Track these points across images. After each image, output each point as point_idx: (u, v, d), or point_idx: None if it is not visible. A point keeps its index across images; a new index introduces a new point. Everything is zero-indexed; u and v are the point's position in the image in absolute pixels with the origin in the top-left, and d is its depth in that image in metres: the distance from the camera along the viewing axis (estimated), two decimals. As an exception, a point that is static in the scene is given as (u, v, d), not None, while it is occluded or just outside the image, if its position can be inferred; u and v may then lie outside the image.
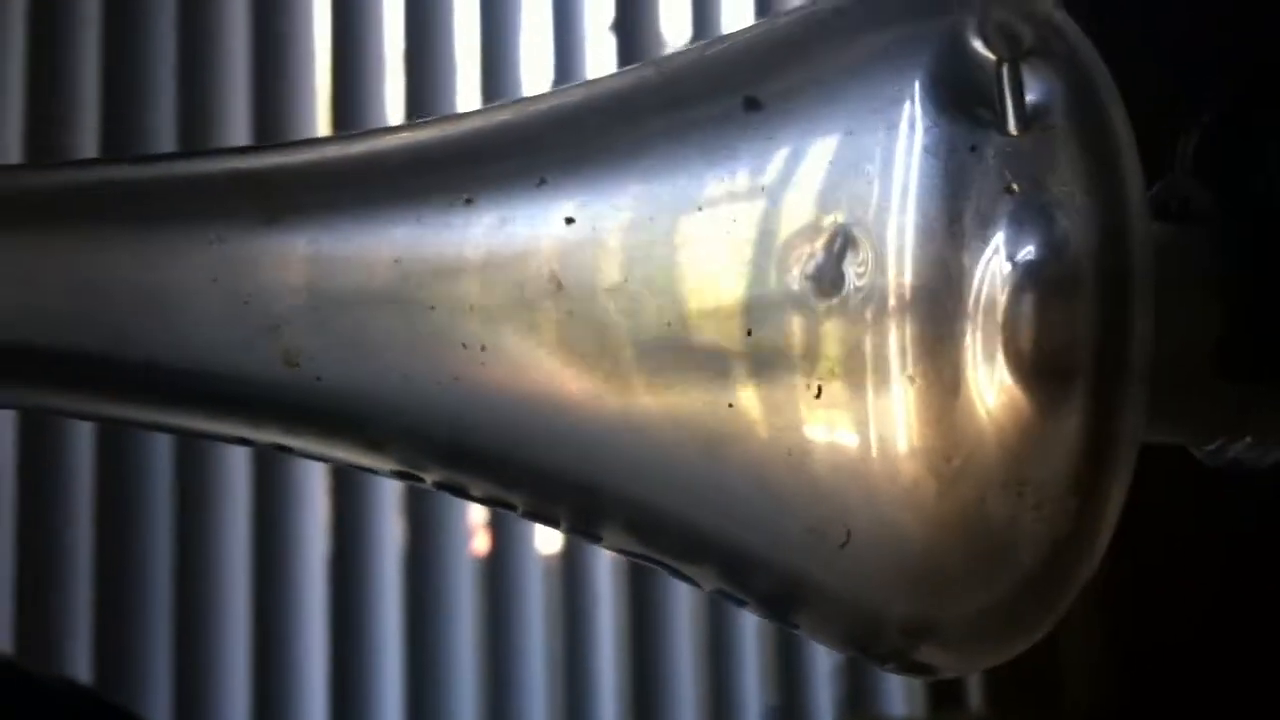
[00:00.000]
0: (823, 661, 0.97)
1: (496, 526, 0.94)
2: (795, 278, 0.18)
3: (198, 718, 0.88)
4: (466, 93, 0.95)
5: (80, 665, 0.85)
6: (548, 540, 0.95)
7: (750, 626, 0.96)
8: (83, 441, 0.88)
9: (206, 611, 0.89)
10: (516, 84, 0.97)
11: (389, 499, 0.93)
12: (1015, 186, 0.18)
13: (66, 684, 0.55)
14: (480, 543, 0.94)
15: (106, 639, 0.87)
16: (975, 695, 0.87)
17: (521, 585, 0.94)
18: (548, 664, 0.94)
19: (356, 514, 0.93)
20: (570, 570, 0.95)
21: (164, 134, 0.90)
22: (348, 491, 0.93)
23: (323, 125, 0.94)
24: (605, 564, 0.95)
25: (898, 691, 0.96)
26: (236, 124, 0.91)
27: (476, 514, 0.94)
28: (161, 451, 0.89)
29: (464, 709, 0.92)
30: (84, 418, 0.20)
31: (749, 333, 0.18)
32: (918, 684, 0.93)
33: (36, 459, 0.87)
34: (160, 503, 0.89)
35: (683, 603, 0.95)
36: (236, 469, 0.90)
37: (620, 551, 0.20)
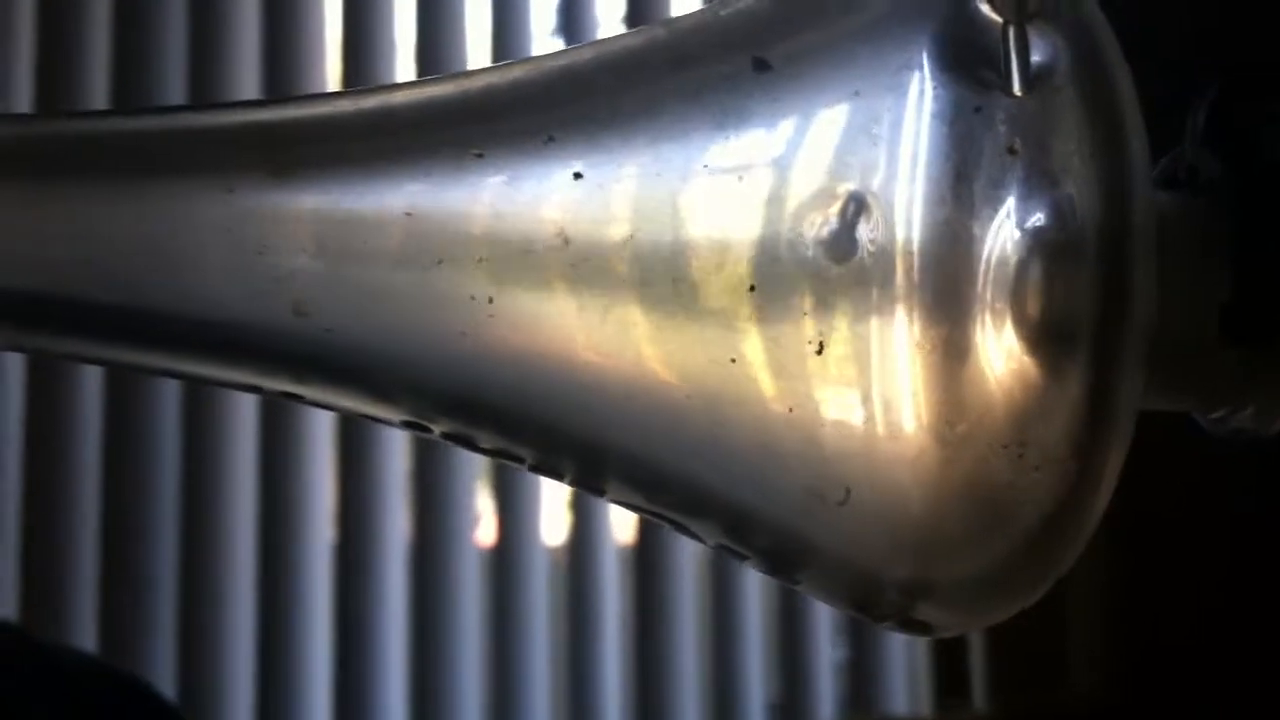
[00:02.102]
0: (826, 657, 0.97)
1: (503, 517, 0.94)
2: (806, 242, 0.18)
3: (202, 706, 0.89)
4: (477, 53, 0.95)
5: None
6: (553, 532, 0.95)
7: (754, 620, 0.96)
8: (89, 433, 0.88)
9: (212, 599, 0.90)
10: (527, 41, 0.96)
11: (395, 489, 0.93)
12: (1017, 147, 0.18)
13: (76, 653, 0.56)
14: (486, 533, 0.95)
15: (112, 632, 0.87)
16: (980, 690, 0.87)
17: (527, 576, 0.94)
18: (552, 655, 0.94)
19: (362, 504, 0.93)
20: (575, 562, 0.95)
21: (174, 90, 0.90)
22: (354, 481, 0.93)
23: (333, 84, 0.94)
24: (610, 556, 0.95)
25: (901, 687, 0.96)
26: (246, 80, 0.91)
27: (483, 505, 0.95)
28: (168, 437, 0.89)
29: (469, 699, 0.92)
30: (96, 363, 0.20)
31: (751, 288, 0.18)
32: (922, 680, 0.93)
33: (41, 446, 0.87)
34: (166, 490, 0.89)
35: (687, 596, 0.95)
36: (243, 456, 0.91)
37: (624, 505, 0.20)
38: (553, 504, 0.95)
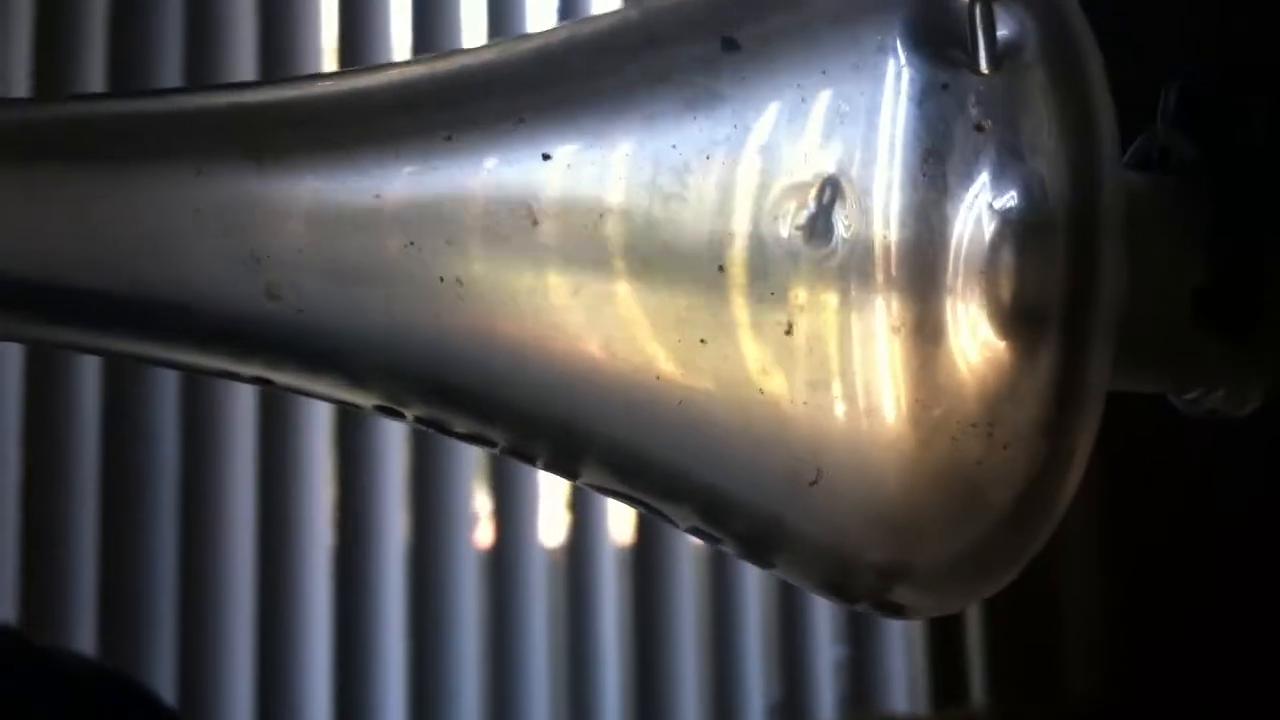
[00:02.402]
0: (825, 657, 0.97)
1: (500, 519, 0.94)
2: (778, 223, 0.18)
3: (201, 708, 0.89)
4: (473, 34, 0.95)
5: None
6: (551, 533, 0.95)
7: (754, 622, 0.96)
8: (87, 436, 0.88)
9: (211, 603, 0.90)
10: (522, 24, 0.97)
11: (393, 491, 0.93)
12: (985, 124, 0.18)
13: (76, 656, 0.56)
14: (484, 535, 0.95)
15: (110, 635, 0.87)
16: (978, 690, 0.87)
17: (525, 578, 0.94)
18: (551, 657, 0.94)
19: (360, 506, 0.93)
20: (574, 563, 0.95)
21: (169, 74, 0.90)
22: (352, 483, 0.93)
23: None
24: (608, 557, 0.95)
25: (900, 687, 0.96)
26: (243, 73, 0.92)
27: (481, 506, 0.95)
28: (167, 440, 0.89)
29: (468, 700, 0.92)
30: (70, 348, 0.20)
31: (720, 269, 0.18)
32: (921, 680, 0.93)
33: (39, 449, 0.87)
34: (165, 495, 0.89)
35: (686, 596, 0.95)
36: (241, 458, 0.91)
37: (598, 489, 0.20)
38: (551, 505, 0.95)
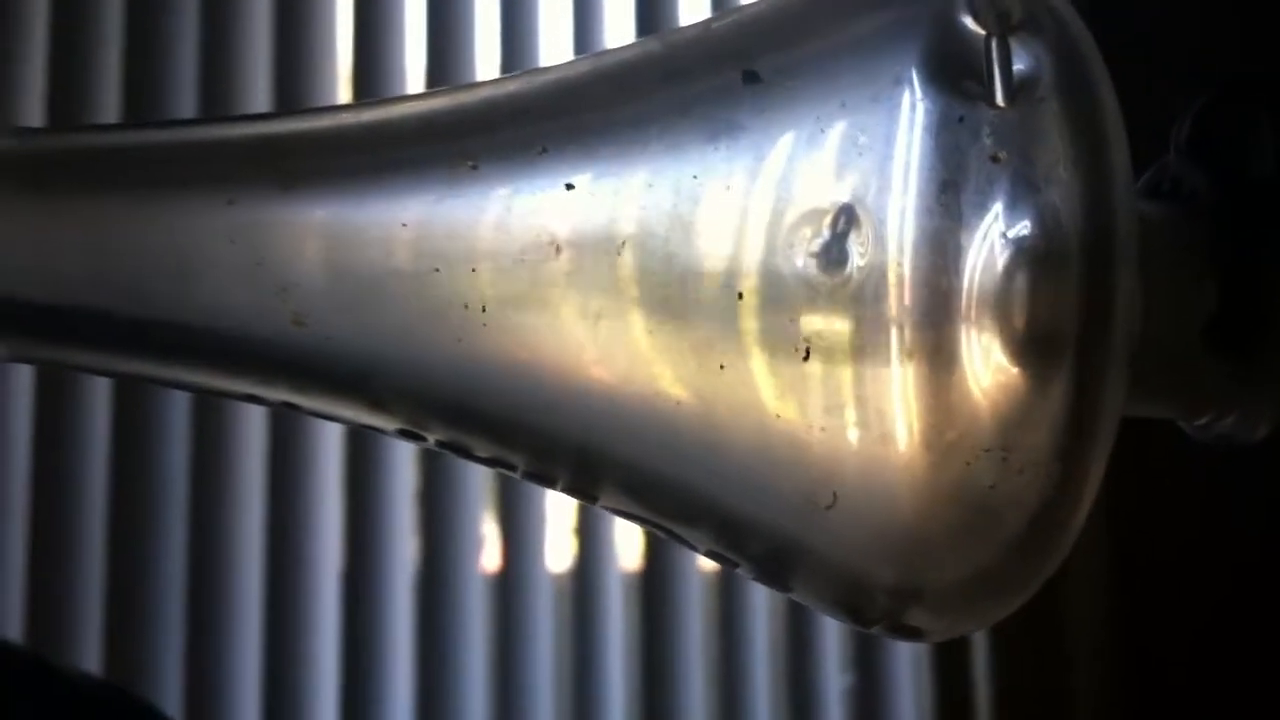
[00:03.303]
0: (833, 684, 0.97)
1: (507, 543, 0.94)
2: (796, 252, 0.19)
3: (208, 732, 0.89)
4: (486, 66, 0.96)
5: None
6: (558, 557, 0.95)
7: (761, 647, 0.96)
8: (96, 457, 0.88)
9: (219, 623, 0.90)
10: (537, 60, 0.97)
11: (402, 516, 0.93)
12: (1000, 156, 0.18)
13: (86, 676, 0.56)
14: (490, 559, 0.95)
15: (117, 654, 0.87)
16: (985, 717, 0.86)
17: (531, 602, 0.94)
18: (557, 681, 0.94)
19: (369, 530, 0.93)
20: (580, 588, 0.95)
21: (185, 109, 0.91)
22: (361, 508, 0.93)
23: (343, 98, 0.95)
24: (615, 582, 0.95)
25: (908, 715, 0.96)
26: (258, 100, 0.92)
27: (488, 530, 0.95)
28: (176, 464, 0.90)
29: (473, 725, 0.92)
30: (100, 373, 0.20)
31: (740, 296, 0.18)
32: (928, 707, 0.93)
33: (47, 469, 0.88)
34: (173, 514, 0.89)
35: (693, 622, 0.95)
36: (251, 483, 0.91)
37: (617, 512, 0.20)
38: (558, 530, 0.95)
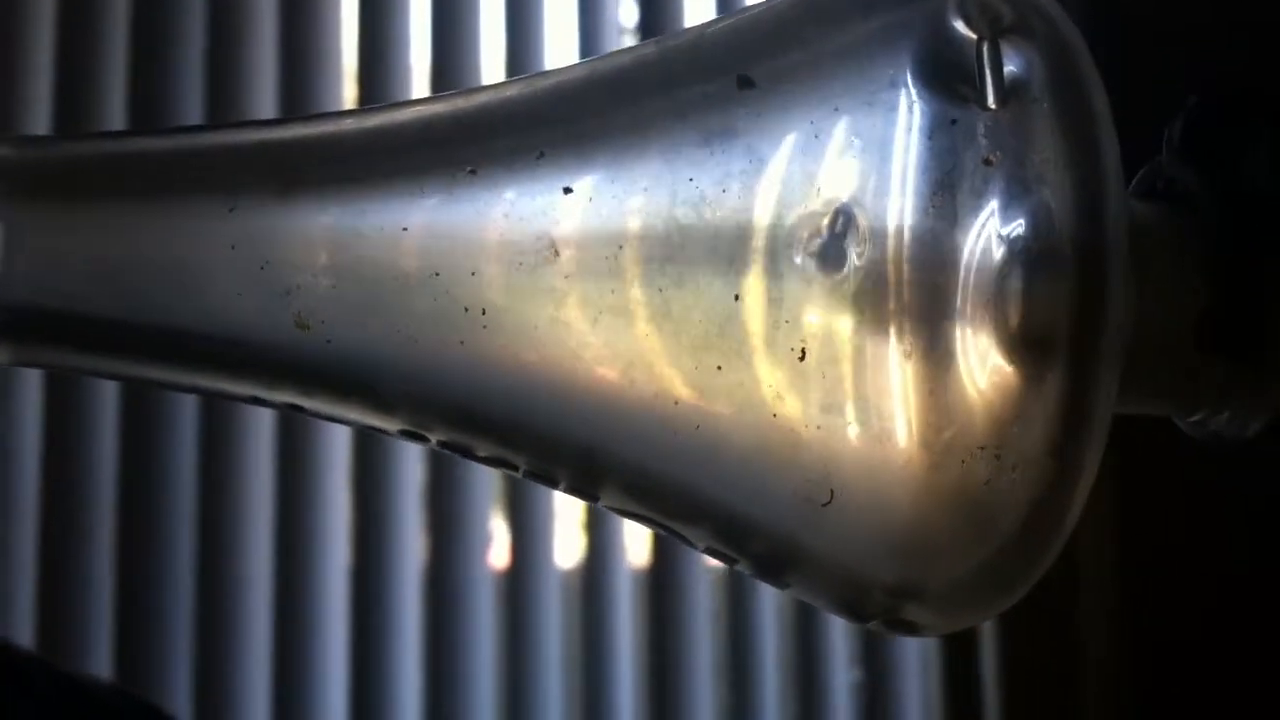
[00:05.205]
0: (841, 681, 0.97)
1: (516, 540, 0.95)
2: (794, 253, 0.19)
3: (219, 732, 0.89)
4: (491, 64, 0.96)
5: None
6: (567, 555, 0.96)
7: (769, 643, 0.96)
8: (105, 457, 0.89)
9: (228, 623, 0.90)
10: (541, 53, 0.97)
11: (410, 514, 0.94)
12: (993, 158, 0.19)
13: (98, 682, 0.56)
14: (499, 556, 0.95)
15: (127, 656, 0.88)
16: (993, 715, 0.86)
17: (540, 599, 0.94)
18: (566, 678, 0.94)
19: (378, 528, 0.94)
20: (589, 585, 0.95)
21: (191, 115, 0.91)
22: (370, 506, 0.94)
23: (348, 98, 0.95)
24: (624, 579, 0.95)
25: (916, 712, 0.96)
26: (263, 104, 0.93)
27: (496, 527, 0.95)
28: (185, 464, 0.90)
29: (483, 721, 0.93)
30: (105, 377, 0.21)
31: (736, 298, 0.19)
32: (936, 704, 0.93)
33: (56, 473, 0.88)
34: (182, 515, 0.90)
35: (702, 619, 0.95)
36: (259, 482, 0.91)
37: (617, 511, 0.20)
38: (566, 527, 0.96)
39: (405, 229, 0.19)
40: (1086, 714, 0.76)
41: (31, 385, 0.89)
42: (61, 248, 0.19)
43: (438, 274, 0.19)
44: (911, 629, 0.20)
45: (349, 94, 0.96)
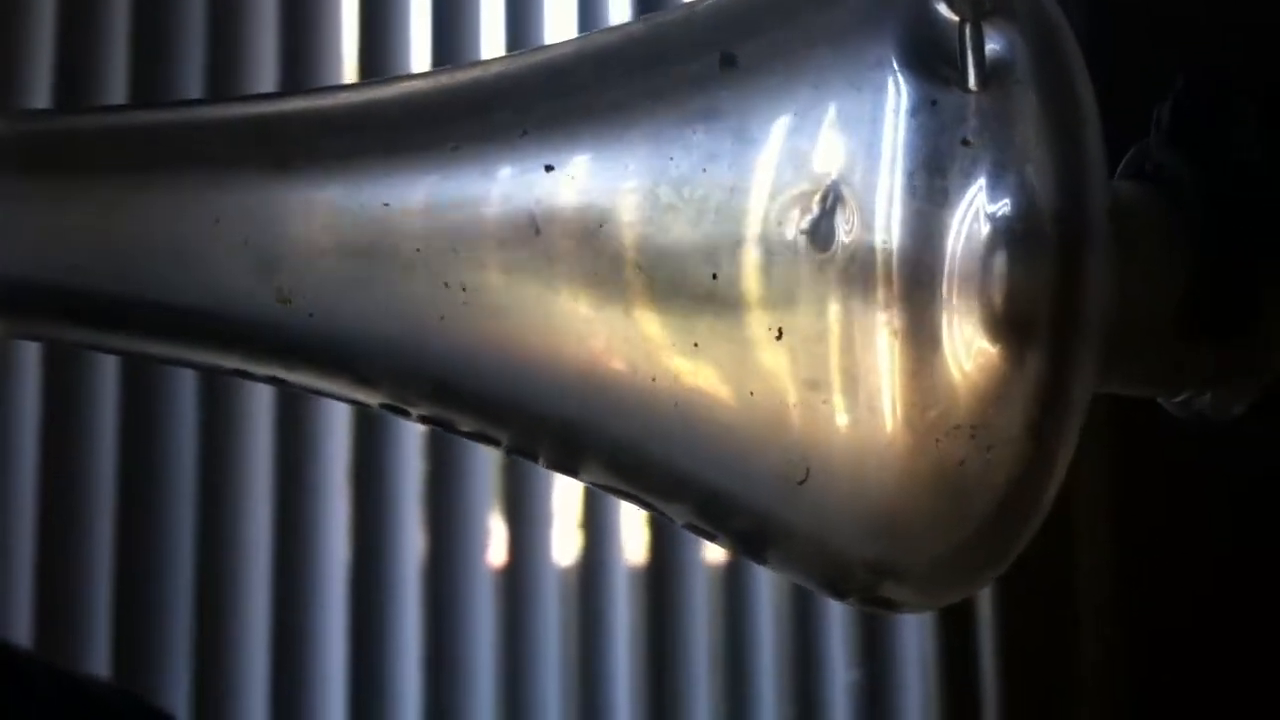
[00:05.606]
0: (839, 680, 0.97)
1: (513, 537, 0.95)
2: (777, 232, 0.19)
3: (217, 726, 0.89)
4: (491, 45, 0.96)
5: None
6: (564, 552, 0.96)
7: (767, 640, 0.96)
8: (104, 452, 0.89)
9: (227, 618, 0.90)
10: (542, 34, 0.97)
11: (409, 511, 0.94)
12: (974, 140, 0.19)
13: (97, 681, 0.56)
14: (497, 553, 0.95)
15: (125, 652, 0.88)
16: (992, 714, 0.86)
17: (538, 596, 0.94)
18: (563, 675, 0.94)
19: (377, 524, 0.94)
20: (587, 582, 0.95)
21: (192, 92, 0.92)
22: (368, 502, 0.94)
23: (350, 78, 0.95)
24: (621, 576, 0.95)
25: (914, 711, 0.96)
26: (263, 84, 0.93)
27: (494, 524, 0.95)
28: (184, 458, 0.90)
29: (481, 717, 0.93)
30: (92, 348, 0.21)
31: (714, 276, 0.19)
32: (934, 703, 0.93)
33: (54, 467, 0.88)
34: (182, 513, 0.90)
35: (700, 616, 0.95)
36: (259, 477, 0.91)
37: (598, 487, 0.20)
38: (564, 524, 0.96)
39: (386, 204, 0.19)
40: (1086, 713, 0.76)
41: (29, 378, 0.89)
42: (47, 220, 0.19)
43: (418, 249, 0.19)
44: (890, 606, 0.20)
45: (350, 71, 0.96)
